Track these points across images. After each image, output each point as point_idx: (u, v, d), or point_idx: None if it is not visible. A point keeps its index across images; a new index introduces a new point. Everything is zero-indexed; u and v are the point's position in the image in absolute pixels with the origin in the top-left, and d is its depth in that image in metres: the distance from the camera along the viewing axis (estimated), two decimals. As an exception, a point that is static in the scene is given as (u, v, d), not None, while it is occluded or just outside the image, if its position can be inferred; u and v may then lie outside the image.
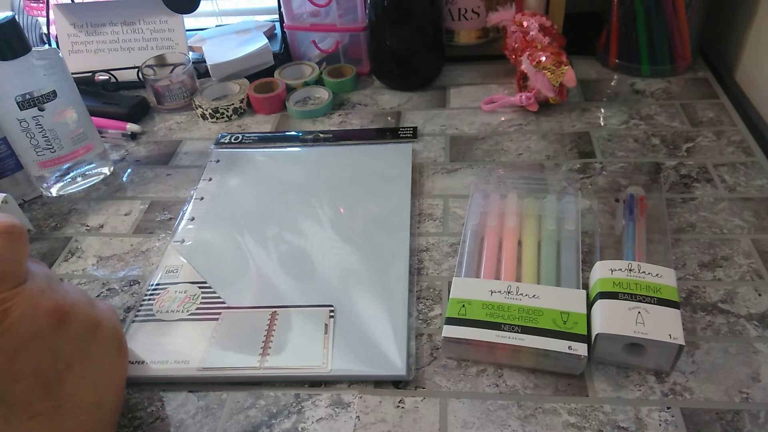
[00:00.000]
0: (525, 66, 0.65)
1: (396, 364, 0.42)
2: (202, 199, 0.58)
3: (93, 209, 0.60)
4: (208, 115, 0.71)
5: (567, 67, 0.62)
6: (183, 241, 0.54)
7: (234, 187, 0.60)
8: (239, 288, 0.49)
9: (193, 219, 0.56)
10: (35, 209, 0.60)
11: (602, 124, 0.64)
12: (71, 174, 0.61)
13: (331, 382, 0.42)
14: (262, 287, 0.49)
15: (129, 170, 0.65)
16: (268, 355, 0.43)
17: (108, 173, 0.64)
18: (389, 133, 0.65)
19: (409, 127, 0.66)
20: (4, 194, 0.46)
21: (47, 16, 0.80)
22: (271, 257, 0.51)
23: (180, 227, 0.55)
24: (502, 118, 0.67)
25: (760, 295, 0.45)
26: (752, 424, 0.37)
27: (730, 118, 0.63)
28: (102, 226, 0.58)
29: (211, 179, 0.61)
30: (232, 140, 0.66)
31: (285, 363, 0.42)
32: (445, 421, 0.39)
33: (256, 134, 0.67)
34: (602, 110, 0.67)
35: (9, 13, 0.53)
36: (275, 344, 0.44)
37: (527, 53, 0.64)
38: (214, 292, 0.48)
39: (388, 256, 0.50)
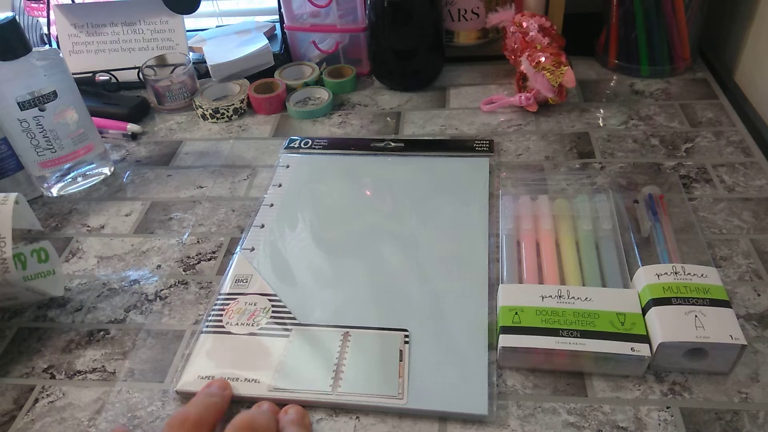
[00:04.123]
0: (524, 66, 0.65)
1: (477, 401, 0.39)
2: (271, 205, 0.57)
3: (93, 209, 0.60)
4: (208, 116, 0.71)
5: (566, 67, 0.62)
6: (252, 249, 0.52)
7: (305, 195, 0.58)
8: (310, 303, 0.47)
9: (262, 226, 0.54)
10: (36, 209, 0.60)
11: (601, 124, 0.65)
12: (72, 174, 0.62)
13: (409, 415, 0.40)
14: (333, 304, 0.46)
15: (129, 171, 0.65)
16: (341, 379, 0.41)
17: (108, 173, 0.64)
18: (464, 146, 0.62)
19: (485, 140, 0.62)
20: (16, 194, 0.45)
21: (48, 17, 0.80)
22: (342, 272, 0.49)
23: (249, 234, 0.54)
24: (502, 119, 0.67)
25: (759, 295, 0.45)
26: (751, 425, 0.37)
27: (729, 119, 0.64)
28: (103, 227, 0.58)
29: (281, 185, 0.59)
30: (302, 145, 0.64)
31: (359, 389, 0.40)
32: (444, 420, 0.39)
33: (325, 139, 0.65)
34: (601, 111, 0.67)
35: (9, 14, 0.53)
36: (348, 368, 0.42)
37: (527, 54, 0.65)
38: (285, 307, 0.47)
39: (466, 276, 0.48)
